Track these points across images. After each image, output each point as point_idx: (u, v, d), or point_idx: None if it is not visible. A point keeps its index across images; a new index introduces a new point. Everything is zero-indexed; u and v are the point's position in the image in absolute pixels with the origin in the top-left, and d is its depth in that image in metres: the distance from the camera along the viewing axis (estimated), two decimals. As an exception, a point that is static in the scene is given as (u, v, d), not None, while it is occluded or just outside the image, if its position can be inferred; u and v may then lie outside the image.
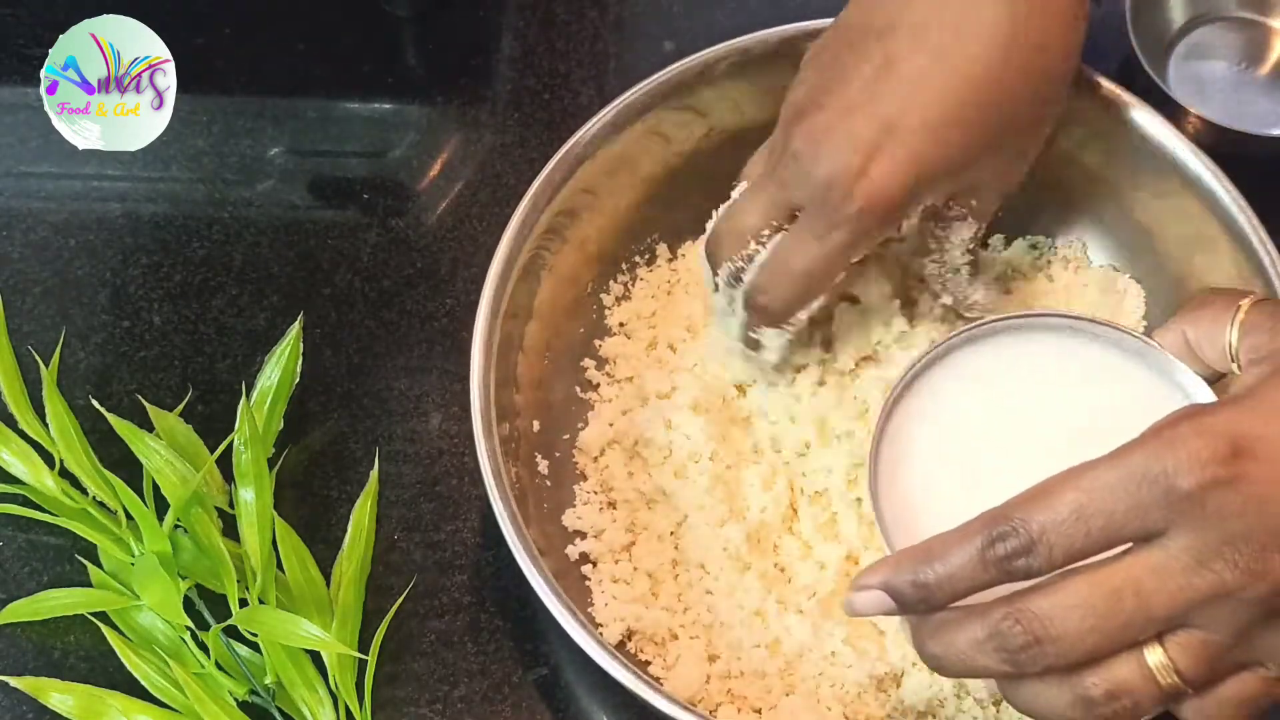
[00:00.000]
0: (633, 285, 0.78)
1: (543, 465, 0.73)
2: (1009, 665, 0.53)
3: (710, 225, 0.69)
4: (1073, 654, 0.52)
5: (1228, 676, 0.53)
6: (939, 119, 0.63)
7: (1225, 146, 0.76)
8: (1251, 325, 0.57)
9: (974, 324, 0.63)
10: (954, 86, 0.63)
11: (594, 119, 0.73)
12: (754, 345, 0.70)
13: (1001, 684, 0.55)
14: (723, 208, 0.69)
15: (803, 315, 0.67)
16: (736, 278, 0.67)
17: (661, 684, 0.67)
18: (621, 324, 0.77)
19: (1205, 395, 0.59)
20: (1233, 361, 0.57)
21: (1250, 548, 0.50)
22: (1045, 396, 0.62)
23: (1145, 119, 0.73)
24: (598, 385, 0.76)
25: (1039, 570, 0.52)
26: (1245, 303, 0.57)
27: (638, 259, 0.78)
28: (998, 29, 0.63)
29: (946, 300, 0.72)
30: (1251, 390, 0.53)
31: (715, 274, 0.69)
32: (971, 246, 0.69)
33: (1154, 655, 0.52)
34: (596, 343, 0.77)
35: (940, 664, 0.55)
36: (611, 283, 0.78)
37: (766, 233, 0.66)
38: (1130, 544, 0.52)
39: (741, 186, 0.69)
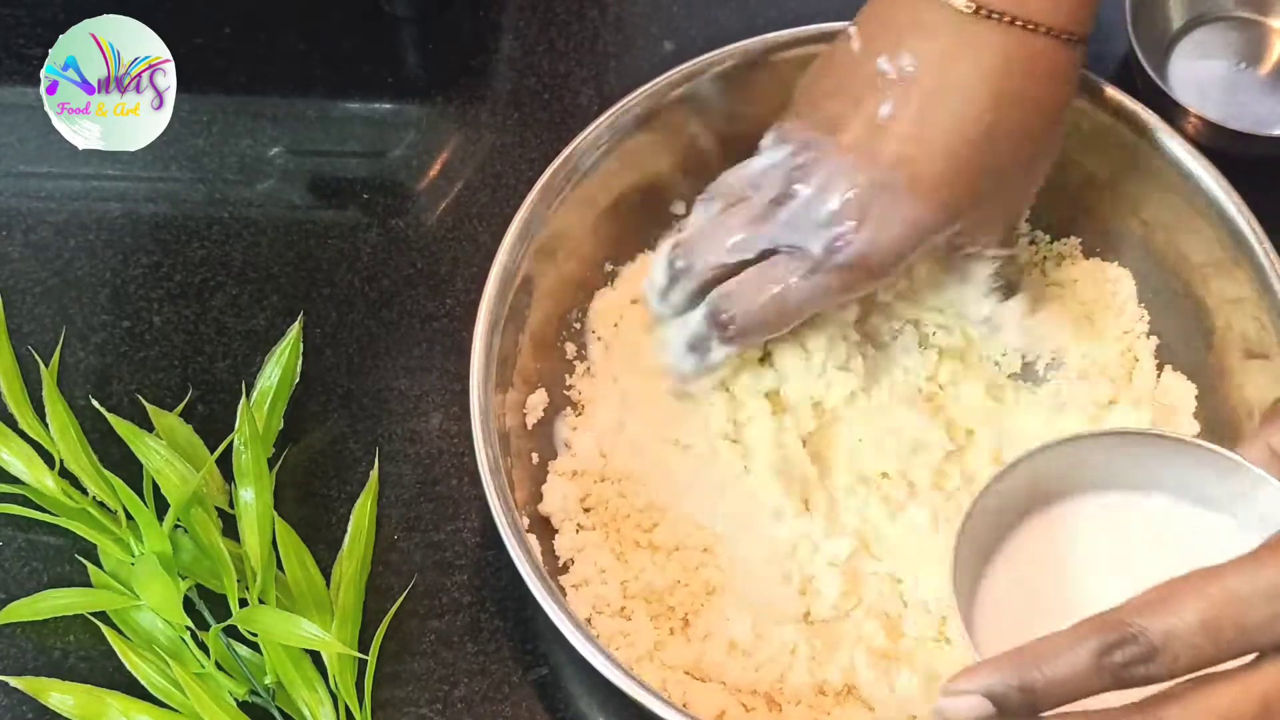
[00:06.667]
0: (630, 287, 0.78)
1: (543, 463, 0.73)
2: None
3: (688, 227, 0.70)
4: None
5: None
6: (935, 178, 0.65)
7: (1225, 146, 0.76)
8: None
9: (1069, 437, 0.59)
10: (946, 141, 0.65)
11: (595, 123, 0.73)
12: (701, 349, 0.70)
13: None
14: (702, 214, 0.70)
15: (760, 340, 0.68)
16: (703, 289, 0.68)
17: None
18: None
19: None
20: None
21: None
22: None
23: (1145, 119, 0.73)
24: (598, 381, 0.76)
25: (1157, 678, 0.50)
26: None
27: (637, 261, 0.78)
28: (988, 83, 0.65)
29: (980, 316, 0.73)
30: None
31: (674, 275, 0.69)
32: (996, 274, 0.71)
33: None
34: (596, 337, 0.77)
35: None
36: (613, 281, 0.78)
37: (747, 255, 0.67)
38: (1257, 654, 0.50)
39: (713, 204, 0.69)
